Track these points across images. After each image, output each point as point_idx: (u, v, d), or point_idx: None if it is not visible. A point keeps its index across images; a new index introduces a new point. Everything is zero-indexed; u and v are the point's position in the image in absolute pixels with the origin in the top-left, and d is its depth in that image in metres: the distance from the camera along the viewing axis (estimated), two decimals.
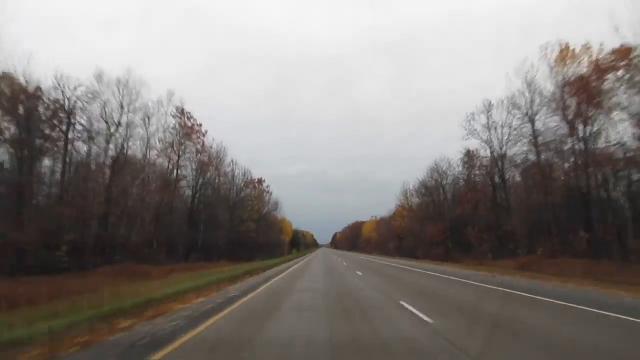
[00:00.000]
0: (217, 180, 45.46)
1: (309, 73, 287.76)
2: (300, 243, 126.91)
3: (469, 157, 42.97)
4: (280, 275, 21.58)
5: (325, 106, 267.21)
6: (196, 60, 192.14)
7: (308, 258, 56.86)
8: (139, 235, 29.74)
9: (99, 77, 27.28)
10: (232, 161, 51.54)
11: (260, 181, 58.76)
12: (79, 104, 25.92)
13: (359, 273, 22.63)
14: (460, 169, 45.76)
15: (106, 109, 27.72)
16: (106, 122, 27.77)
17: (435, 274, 22.66)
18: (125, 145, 29.09)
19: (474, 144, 53.45)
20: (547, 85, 30.30)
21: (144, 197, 29.79)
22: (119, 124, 28.33)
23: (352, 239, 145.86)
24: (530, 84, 31.72)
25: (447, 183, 49.52)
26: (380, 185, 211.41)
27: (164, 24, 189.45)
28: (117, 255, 26.19)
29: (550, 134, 30.48)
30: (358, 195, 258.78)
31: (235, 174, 51.08)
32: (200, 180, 40.40)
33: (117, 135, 28.44)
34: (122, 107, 28.50)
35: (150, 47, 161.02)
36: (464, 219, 40.60)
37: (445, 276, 20.58)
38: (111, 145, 28.25)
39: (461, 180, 45.91)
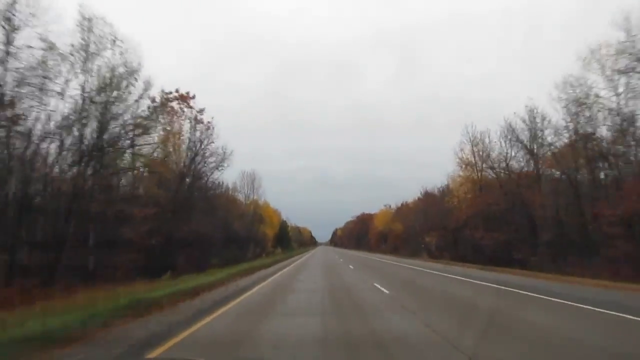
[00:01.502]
0: None
1: (310, 69, 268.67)
2: (289, 239, 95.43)
3: None
4: None
5: (326, 103, 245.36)
6: (197, 56, 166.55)
7: (298, 262, 33.73)
8: None
9: None
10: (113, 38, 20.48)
11: (184, 97, 26.36)
12: None
13: None
14: None
15: None
16: None
17: None
18: None
19: None
20: None
21: None
22: None
23: (357, 235, 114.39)
24: None
25: None
26: (380, 183, 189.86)
27: (163, 23, 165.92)
28: None
29: None
30: (358, 193, 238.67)
31: (106, 62, 19.63)
32: None
33: None
34: None
35: (149, 46, 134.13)
36: None
37: None
38: None
39: None
